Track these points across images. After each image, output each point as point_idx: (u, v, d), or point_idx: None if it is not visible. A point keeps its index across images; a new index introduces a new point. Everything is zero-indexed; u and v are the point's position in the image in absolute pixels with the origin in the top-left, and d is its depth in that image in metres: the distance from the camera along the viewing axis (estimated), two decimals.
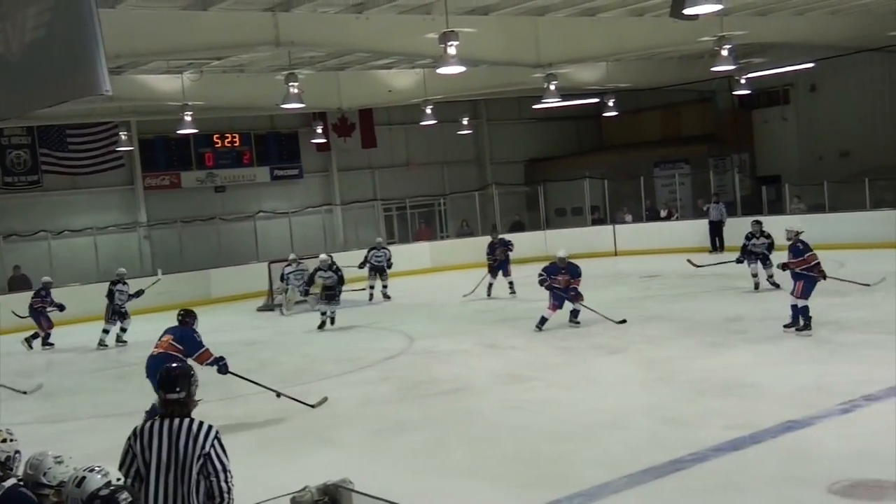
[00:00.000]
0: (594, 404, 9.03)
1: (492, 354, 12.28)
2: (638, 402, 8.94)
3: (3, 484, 4.15)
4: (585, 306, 13.65)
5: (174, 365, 4.59)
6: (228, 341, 15.52)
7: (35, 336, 16.69)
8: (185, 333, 8.98)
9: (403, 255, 24.96)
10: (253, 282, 20.39)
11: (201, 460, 4.21)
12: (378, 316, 17.14)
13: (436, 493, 6.76)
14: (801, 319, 11.38)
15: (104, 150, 23.25)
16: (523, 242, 25.08)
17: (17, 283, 20.74)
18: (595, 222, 26.75)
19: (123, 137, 22.49)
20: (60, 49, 3.92)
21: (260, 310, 19.32)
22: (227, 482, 4.26)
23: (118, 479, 3.55)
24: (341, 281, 16.14)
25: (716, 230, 22.36)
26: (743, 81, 22.72)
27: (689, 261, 16.59)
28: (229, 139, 25.62)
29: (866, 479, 6.26)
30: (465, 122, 27.12)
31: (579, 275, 13.71)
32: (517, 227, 27.10)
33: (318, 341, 15.09)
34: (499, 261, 18.32)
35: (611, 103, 23.92)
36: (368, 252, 19.54)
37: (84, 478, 3.52)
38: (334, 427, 9.20)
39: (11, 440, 4.43)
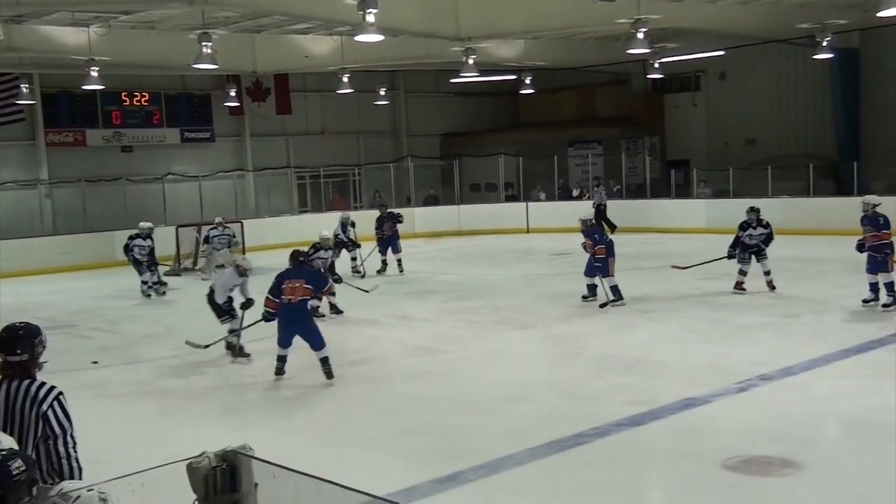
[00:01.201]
0: (500, 377, 9.13)
1: (402, 326, 12.28)
2: (543, 377, 9.10)
3: None
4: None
5: (17, 325, 4.27)
6: (132, 304, 15.20)
7: None
8: (310, 274, 9.76)
9: (315, 224, 24.76)
10: (160, 245, 19.83)
11: (40, 422, 4.01)
12: None
13: (339, 464, 6.72)
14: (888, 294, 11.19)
15: (3, 102, 22.19)
16: (437, 217, 25.23)
17: None
18: (509, 199, 26.97)
19: (25, 90, 21.53)
20: None
21: (167, 274, 18.83)
22: (66, 446, 4.03)
23: (8, 448, 3.40)
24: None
25: (601, 214, 22.62)
26: (657, 66, 23.16)
27: (674, 266, 14.74)
28: (138, 98, 24.80)
29: (757, 456, 6.49)
30: (382, 92, 26.91)
31: (603, 242, 12.94)
32: (432, 200, 27.12)
33: None
34: (387, 236, 17.43)
35: (528, 81, 24.06)
36: None
37: None
38: (240, 395, 9.11)
39: None
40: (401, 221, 17.71)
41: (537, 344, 10.71)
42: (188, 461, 2.10)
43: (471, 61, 18.92)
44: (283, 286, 9.17)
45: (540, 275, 16.61)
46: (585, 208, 24.32)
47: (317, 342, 9.20)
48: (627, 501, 6.06)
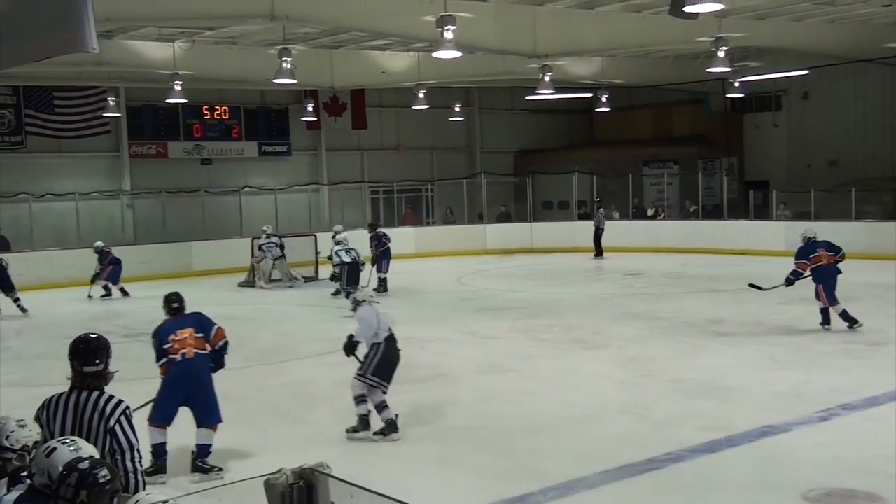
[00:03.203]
0: (571, 398, 8.99)
1: (472, 343, 12.21)
2: (615, 399, 8.91)
3: None
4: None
5: (93, 336, 4.31)
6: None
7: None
8: (198, 319, 7.36)
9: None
10: (235, 257, 20.24)
11: (108, 437, 4.01)
12: None
13: (407, 480, 6.69)
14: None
15: (91, 114, 22.95)
16: (509, 234, 25.16)
17: None
18: (581, 217, 26.73)
19: (111, 103, 22.24)
20: (48, 4, 3.80)
21: (241, 285, 19.19)
22: (132, 461, 4.03)
23: (90, 456, 3.44)
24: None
25: (597, 236, 22.74)
26: (737, 85, 22.73)
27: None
28: (218, 111, 25.37)
29: (840, 489, 6.24)
30: (457, 108, 27.03)
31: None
32: (504, 217, 27.06)
33: (298, 320, 15.00)
34: (373, 255, 17.13)
35: (604, 99, 23.86)
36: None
37: (55, 448, 3.42)
38: (309, 408, 9.14)
39: None
40: (386, 242, 17.29)
41: (609, 365, 10.53)
42: (266, 477, 2.07)
43: (547, 78, 18.84)
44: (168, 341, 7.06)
45: (613, 294, 16.38)
46: (660, 227, 24.09)
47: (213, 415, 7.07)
48: None
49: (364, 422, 7.82)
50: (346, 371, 10.49)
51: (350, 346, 7.92)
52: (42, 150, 22.85)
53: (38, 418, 4.14)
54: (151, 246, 21.99)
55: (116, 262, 18.12)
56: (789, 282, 12.11)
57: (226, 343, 7.27)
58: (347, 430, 7.80)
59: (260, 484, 2.10)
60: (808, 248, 11.94)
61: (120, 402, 4.12)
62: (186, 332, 7.05)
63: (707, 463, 6.88)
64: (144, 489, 3.97)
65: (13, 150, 22.49)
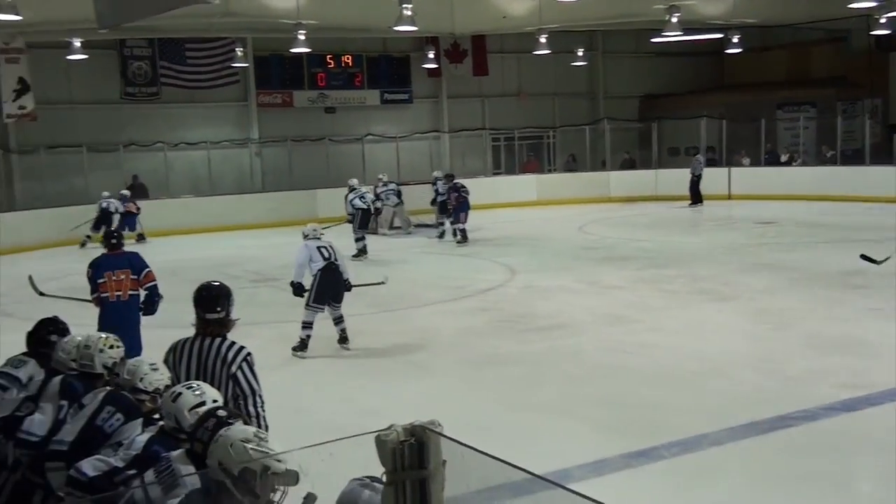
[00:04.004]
0: (697, 351, 8.72)
1: (594, 293, 12.01)
2: (744, 353, 8.59)
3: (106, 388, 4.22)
4: None
5: (215, 283, 4.39)
6: (368, 266, 15.74)
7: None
8: (131, 258, 7.69)
9: (509, 186, 24.81)
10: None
11: (230, 382, 4.09)
12: (480, 246, 17.04)
13: (527, 429, 6.66)
14: None
15: (221, 65, 23.59)
16: (633, 181, 24.60)
17: (136, 191, 21.40)
18: (710, 163, 25.83)
19: (239, 53, 22.80)
20: None
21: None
22: (255, 406, 4.12)
23: (214, 401, 3.53)
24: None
25: (694, 184, 22.40)
26: (883, 21, 21.22)
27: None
28: (342, 60, 25.62)
29: None
30: (579, 53, 26.42)
31: None
32: (628, 164, 26.45)
33: (420, 267, 15.12)
34: (451, 207, 17.47)
35: (735, 40, 22.81)
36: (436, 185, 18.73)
37: (180, 394, 3.52)
38: (431, 355, 9.18)
39: (118, 347, 4.50)
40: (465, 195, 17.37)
41: (738, 317, 10.15)
42: (377, 433, 2.03)
43: (674, 20, 18.14)
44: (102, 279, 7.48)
45: (743, 244, 15.79)
46: (794, 174, 23.04)
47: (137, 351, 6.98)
48: (835, 493, 5.59)
49: (303, 343, 8.94)
50: (466, 320, 10.56)
51: (295, 289, 9.06)
52: (175, 100, 23.68)
53: (166, 361, 4.29)
54: (278, 193, 22.58)
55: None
56: None
57: (155, 286, 7.61)
58: (292, 349, 8.92)
59: (372, 440, 2.06)
60: None
61: (241, 348, 4.20)
62: (123, 274, 7.49)
63: (843, 422, 6.55)
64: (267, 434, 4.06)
65: (149, 100, 23.39)
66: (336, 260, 9.06)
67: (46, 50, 21.06)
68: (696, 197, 22.45)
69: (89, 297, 7.62)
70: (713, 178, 23.72)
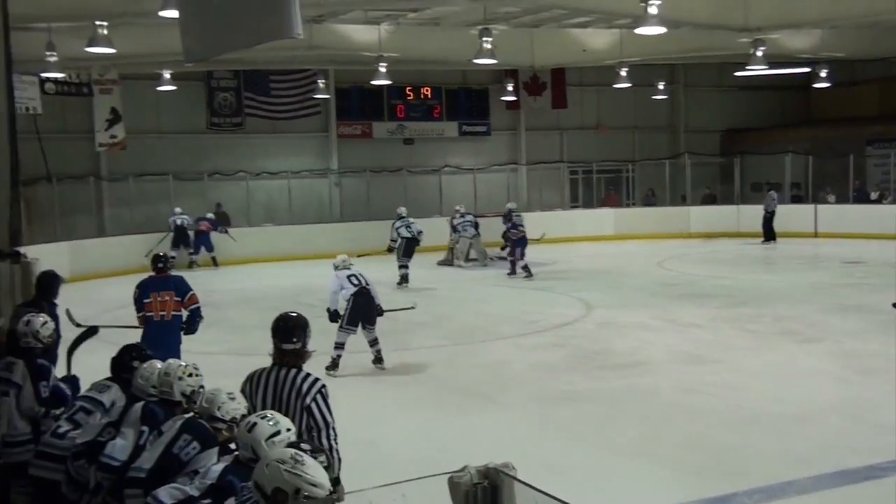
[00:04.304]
0: (781, 394, 8.42)
1: (672, 331, 11.75)
2: (831, 398, 8.28)
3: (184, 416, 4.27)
4: None
5: (293, 314, 4.42)
6: (405, 292, 15.80)
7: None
8: (176, 282, 8.30)
9: (586, 220, 24.61)
10: (435, 236, 20.56)
11: (304, 414, 4.10)
12: (556, 280, 16.88)
13: (601, 470, 6.51)
14: None
15: (303, 96, 24.06)
16: (715, 216, 24.14)
17: (219, 219, 21.85)
18: (794, 200, 25.20)
19: (321, 85, 23.23)
20: None
21: (440, 264, 19.52)
22: (328, 438, 4.12)
23: (287, 430, 3.53)
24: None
25: (767, 221, 21.92)
26: None
27: None
28: (421, 92, 25.88)
29: None
30: (660, 86, 26.19)
31: None
32: (709, 199, 25.98)
33: (494, 300, 15.04)
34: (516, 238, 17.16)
35: (823, 74, 22.28)
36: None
37: (255, 424, 3.53)
38: (503, 389, 9.09)
39: (197, 375, 4.55)
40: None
41: (825, 360, 9.80)
42: (450, 475, 1.98)
43: (759, 53, 17.76)
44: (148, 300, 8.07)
45: (829, 284, 15.29)
46: (885, 212, 22.27)
47: None
48: None
49: (334, 363, 9.41)
50: (541, 355, 10.44)
51: (331, 316, 9.57)
52: (258, 130, 24.22)
53: (243, 391, 4.31)
54: (356, 223, 22.82)
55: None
56: None
57: (198, 308, 8.24)
58: (326, 368, 9.15)
59: (444, 481, 2.01)
60: None
61: (316, 380, 4.21)
62: (168, 295, 8.08)
63: None
64: (339, 467, 4.04)
65: (233, 130, 23.98)
66: (367, 285, 9.61)
67: (138, 81, 21.80)
68: (769, 234, 21.92)
69: (126, 324, 8.29)
70: (798, 216, 23.14)
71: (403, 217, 17.15)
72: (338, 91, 24.80)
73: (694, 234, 23.69)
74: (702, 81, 28.77)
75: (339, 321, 9.50)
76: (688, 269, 17.12)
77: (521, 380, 9.40)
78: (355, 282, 9.57)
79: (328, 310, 9.58)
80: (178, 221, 19.56)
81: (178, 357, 7.21)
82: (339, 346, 9.49)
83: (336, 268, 9.78)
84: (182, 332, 8.15)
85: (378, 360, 9.71)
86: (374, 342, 9.68)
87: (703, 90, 29.01)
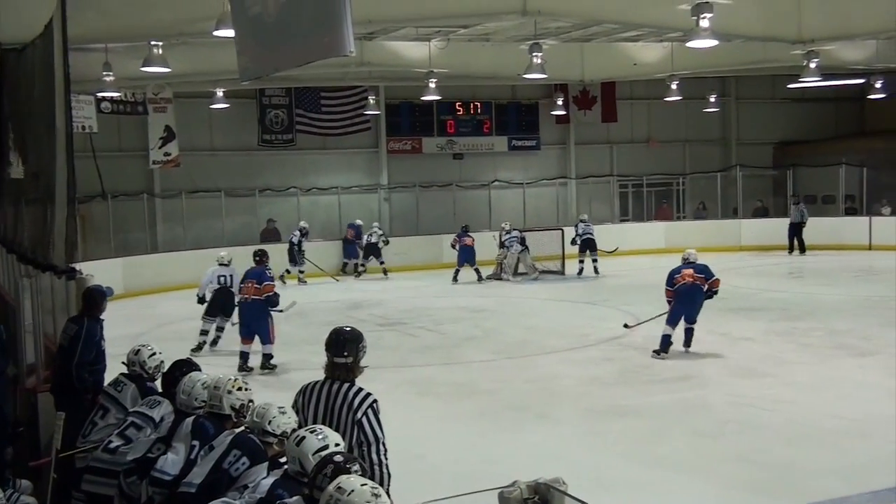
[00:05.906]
0: (836, 409, 8.31)
1: (724, 344, 11.63)
2: (887, 413, 8.11)
3: (234, 430, 4.36)
4: None
5: (346, 329, 4.43)
6: (454, 307, 15.87)
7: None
8: (258, 273, 10.81)
9: (637, 233, 24.45)
10: (484, 250, 20.63)
11: (355, 428, 4.09)
12: (605, 293, 16.81)
13: (651, 485, 6.48)
14: None
15: (353, 113, 24.32)
16: (767, 230, 23.82)
17: (269, 235, 22.18)
18: (848, 212, 24.75)
19: (371, 102, 23.45)
20: (310, 11, 4.02)
21: (489, 278, 19.55)
22: (378, 453, 4.09)
23: (336, 444, 3.59)
24: None
25: (795, 231, 22.24)
26: None
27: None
28: (471, 107, 25.99)
29: None
30: (711, 99, 25.93)
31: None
32: (761, 212, 25.64)
33: (543, 314, 15.02)
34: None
35: (878, 85, 21.89)
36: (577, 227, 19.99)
37: (304, 437, 3.59)
38: (553, 403, 9.09)
39: (246, 389, 4.61)
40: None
41: (880, 375, 9.62)
42: (500, 490, 2.02)
43: (813, 65, 17.53)
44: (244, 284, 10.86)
45: (884, 297, 14.98)
46: None
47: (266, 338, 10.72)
48: None
49: (199, 346, 11.80)
50: (591, 369, 10.42)
51: (199, 300, 12.24)
52: (309, 146, 24.51)
53: (295, 404, 4.36)
54: (406, 238, 22.95)
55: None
56: None
57: (271, 294, 10.67)
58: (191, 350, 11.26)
59: (494, 496, 2.05)
60: None
61: (367, 395, 4.20)
62: (250, 283, 10.68)
63: None
64: (389, 482, 4.07)
65: (285, 147, 24.31)
66: (230, 285, 11.71)
67: (191, 100, 22.24)
68: (792, 246, 22.23)
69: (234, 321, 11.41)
70: (852, 228, 22.76)
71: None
72: (388, 107, 25.01)
73: (746, 247, 23.40)
74: (754, 93, 28.44)
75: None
76: (739, 283, 16.89)
77: (570, 394, 9.39)
78: (222, 280, 11.84)
79: (197, 295, 12.07)
80: (294, 240, 20.14)
81: (266, 330, 10.60)
82: (203, 332, 11.91)
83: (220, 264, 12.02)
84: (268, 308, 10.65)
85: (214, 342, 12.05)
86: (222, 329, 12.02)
87: (755, 102, 28.67)
